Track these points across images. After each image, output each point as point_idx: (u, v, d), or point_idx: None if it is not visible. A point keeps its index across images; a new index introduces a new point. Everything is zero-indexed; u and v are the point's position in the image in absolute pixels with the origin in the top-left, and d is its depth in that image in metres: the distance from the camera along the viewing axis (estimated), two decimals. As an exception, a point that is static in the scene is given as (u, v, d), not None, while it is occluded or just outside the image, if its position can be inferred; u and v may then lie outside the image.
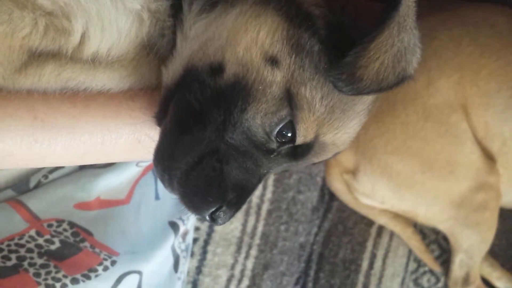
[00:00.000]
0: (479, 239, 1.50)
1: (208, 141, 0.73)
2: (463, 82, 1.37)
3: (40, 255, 0.91)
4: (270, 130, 0.73)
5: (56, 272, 0.90)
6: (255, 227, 1.42)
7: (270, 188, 1.41)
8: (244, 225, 1.41)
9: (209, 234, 1.39)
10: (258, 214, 1.42)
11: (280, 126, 0.73)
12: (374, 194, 1.48)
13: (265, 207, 1.42)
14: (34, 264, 0.90)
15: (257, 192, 1.41)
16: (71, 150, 0.81)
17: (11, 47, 0.71)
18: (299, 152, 0.77)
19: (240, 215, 1.40)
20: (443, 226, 1.53)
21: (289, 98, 0.72)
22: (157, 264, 1.03)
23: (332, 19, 0.75)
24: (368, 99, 0.78)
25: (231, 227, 1.40)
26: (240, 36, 0.73)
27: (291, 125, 0.73)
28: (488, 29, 1.39)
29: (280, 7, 0.74)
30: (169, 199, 1.08)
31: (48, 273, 0.90)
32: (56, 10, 0.70)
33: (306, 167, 1.44)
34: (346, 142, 0.80)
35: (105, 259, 0.94)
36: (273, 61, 0.72)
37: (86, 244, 0.95)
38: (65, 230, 0.94)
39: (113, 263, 0.95)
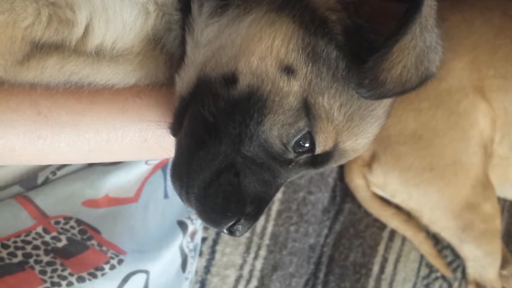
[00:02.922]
0: (482, 253, 1.49)
1: (224, 156, 0.71)
2: (478, 63, 1.36)
3: (47, 252, 0.90)
4: (288, 141, 0.71)
5: (62, 270, 0.89)
6: (264, 228, 1.40)
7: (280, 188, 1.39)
8: (254, 225, 1.39)
9: (218, 233, 1.37)
10: (268, 214, 1.40)
11: (298, 137, 0.71)
12: (386, 186, 1.47)
13: (275, 207, 1.41)
14: (40, 261, 0.89)
15: (268, 192, 1.39)
16: (75, 148, 0.79)
17: (12, 37, 0.69)
18: (318, 160, 0.75)
19: (250, 215, 1.38)
20: (445, 234, 1.52)
21: (307, 109, 0.70)
22: (164, 263, 1.01)
23: (349, 23, 0.72)
24: (387, 101, 0.76)
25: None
26: (254, 44, 0.70)
27: (310, 136, 0.71)
28: (500, 13, 1.38)
29: (294, 13, 0.71)
30: (177, 198, 1.05)
31: (54, 270, 0.89)
32: (60, 0, 0.68)
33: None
34: (366, 146, 0.78)
35: (112, 258, 0.93)
36: (289, 71, 0.70)
37: (94, 242, 0.94)
38: (72, 227, 0.93)
39: (120, 262, 0.94)
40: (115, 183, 0.97)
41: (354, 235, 1.55)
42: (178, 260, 1.06)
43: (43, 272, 0.87)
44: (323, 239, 1.52)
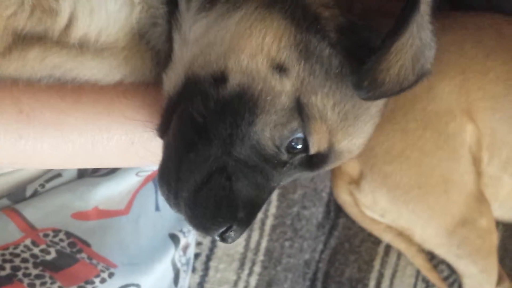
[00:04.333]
0: (478, 269, 1.47)
1: (214, 158, 0.69)
2: (467, 86, 1.35)
3: (36, 265, 0.88)
4: (281, 143, 0.70)
5: (52, 283, 0.87)
6: (258, 243, 1.39)
7: (274, 203, 1.39)
8: (248, 240, 1.38)
9: (212, 249, 1.35)
10: (262, 229, 1.39)
11: (291, 138, 0.69)
12: (374, 205, 1.46)
13: (269, 222, 1.39)
14: (29, 274, 0.87)
15: (261, 207, 1.38)
16: (59, 150, 0.77)
17: None
18: (313, 162, 0.73)
19: (243, 230, 1.37)
20: (439, 252, 1.50)
21: (300, 109, 0.68)
22: (156, 277, 1.00)
23: (342, 20, 0.70)
24: (381, 100, 0.75)
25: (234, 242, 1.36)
26: (244, 41, 0.68)
27: (303, 137, 0.70)
28: (492, 33, 1.38)
29: (286, 9, 0.69)
30: (169, 210, 1.04)
31: (43, 284, 0.87)
32: None
33: (310, 182, 1.41)
34: (361, 147, 0.77)
35: (103, 271, 0.92)
36: (281, 69, 0.68)
37: (83, 255, 0.92)
38: (61, 240, 0.92)
39: (111, 275, 0.92)
40: (105, 195, 0.96)
41: (349, 251, 1.53)
42: (171, 274, 1.05)
43: (32, 285, 0.85)
44: (318, 254, 1.50)
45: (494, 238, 1.44)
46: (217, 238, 0.71)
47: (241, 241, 1.37)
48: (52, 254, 0.90)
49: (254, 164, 0.70)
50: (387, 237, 1.54)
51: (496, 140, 1.40)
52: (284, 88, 0.68)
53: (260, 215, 1.38)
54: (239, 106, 0.68)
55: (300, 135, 0.69)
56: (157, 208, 1.04)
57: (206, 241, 1.35)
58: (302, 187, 1.40)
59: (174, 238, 1.04)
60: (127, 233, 0.98)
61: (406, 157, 1.40)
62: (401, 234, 1.53)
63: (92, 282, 0.90)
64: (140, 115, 0.78)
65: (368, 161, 1.44)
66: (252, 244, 1.39)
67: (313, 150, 0.71)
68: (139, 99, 0.79)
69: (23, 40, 0.69)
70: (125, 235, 0.97)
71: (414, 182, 1.41)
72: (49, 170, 0.93)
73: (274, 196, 1.38)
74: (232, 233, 0.70)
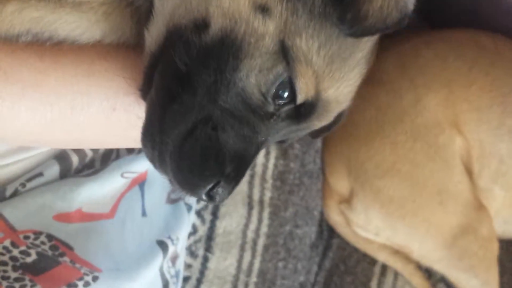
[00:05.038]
0: (479, 283, 1.42)
1: (199, 107, 0.67)
2: (453, 98, 1.36)
3: (15, 268, 0.84)
4: (267, 90, 0.68)
5: (32, 286, 0.82)
6: (251, 264, 1.33)
7: (265, 221, 1.34)
8: (240, 261, 1.32)
9: (202, 272, 1.30)
10: (254, 249, 1.34)
11: (277, 84, 0.68)
12: (368, 224, 1.42)
13: (261, 242, 1.35)
14: (8, 277, 0.83)
15: (252, 226, 1.34)
16: (37, 114, 0.74)
17: None
18: (301, 112, 0.71)
19: (235, 250, 1.32)
20: (438, 267, 1.45)
21: (284, 51, 0.67)
22: (144, 285, 0.94)
23: None
24: (366, 45, 0.74)
25: (225, 263, 1.31)
26: None
27: (289, 83, 0.68)
28: (473, 46, 1.40)
29: None
30: (157, 216, 1.01)
31: (23, 287, 0.82)
32: None
33: (302, 200, 1.38)
34: (348, 97, 0.75)
35: (86, 274, 0.87)
36: (263, 9, 0.67)
37: (66, 258, 0.88)
38: (43, 243, 0.87)
39: (95, 278, 0.88)
40: (88, 197, 0.92)
41: (345, 272, 1.48)
42: (159, 284, 1.00)
43: (11, 288, 0.80)
44: (313, 277, 1.45)
45: (495, 247, 1.40)
46: (205, 198, 0.68)
47: (233, 262, 1.32)
48: (33, 256, 0.85)
49: (241, 115, 0.68)
50: (382, 256, 1.50)
51: (484, 152, 1.40)
52: (267, 30, 0.67)
53: (251, 235, 1.34)
54: (223, 51, 0.67)
55: (286, 80, 0.67)
56: (144, 214, 1.00)
57: (196, 263, 1.29)
58: (294, 205, 1.36)
59: (162, 245, 1.00)
60: (112, 238, 0.94)
61: (398, 170, 1.38)
62: (397, 252, 1.49)
63: (75, 285, 0.85)
64: (122, 78, 0.76)
65: (358, 177, 1.42)
66: (244, 265, 1.33)
67: (300, 96, 0.69)
68: (120, 62, 0.77)
69: None
70: (110, 239, 0.93)
71: (407, 195, 1.38)
72: (30, 170, 0.90)
73: (266, 214, 1.34)
74: (219, 190, 0.67)
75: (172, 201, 1.07)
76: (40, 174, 0.90)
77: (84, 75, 0.75)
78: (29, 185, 0.89)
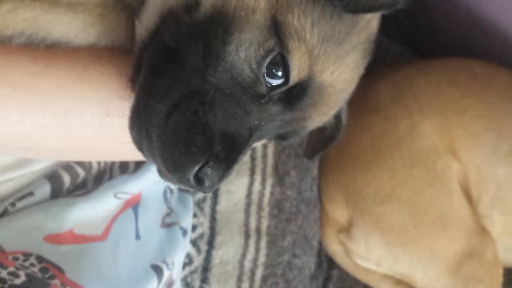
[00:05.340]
0: None
1: (187, 81, 0.64)
2: (448, 124, 1.36)
3: (3, 291, 0.80)
4: (257, 66, 0.66)
5: (20, 309, 0.79)
6: (249, 296, 1.29)
7: (263, 250, 1.31)
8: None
9: (199, 305, 1.25)
10: (252, 280, 1.30)
11: (268, 59, 0.66)
12: (368, 253, 1.38)
13: (259, 272, 1.31)
14: (-5, 300, 0.78)
15: (250, 255, 1.30)
16: (29, 117, 0.72)
17: None
18: (294, 95, 0.68)
19: (232, 281, 1.28)
20: None
21: (276, 27, 0.66)
22: (137, 310, 0.91)
23: None
24: (362, 31, 0.72)
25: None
26: None
27: (282, 60, 0.66)
28: (465, 73, 1.42)
29: None
30: (151, 240, 0.98)
31: (10, 309, 0.78)
32: None
33: (300, 229, 1.35)
34: (345, 86, 0.73)
35: (78, 298, 0.83)
36: None
37: (56, 281, 0.84)
38: (32, 265, 0.84)
39: (87, 302, 0.84)
40: (80, 217, 0.89)
41: (346, 305, 1.43)
42: (153, 311, 0.95)
43: (-2, 311, 0.76)
44: (313, 310, 1.40)
45: (500, 272, 1.36)
46: (193, 182, 0.64)
47: (230, 295, 1.27)
48: (22, 278, 0.81)
49: (231, 93, 0.65)
50: (384, 287, 1.45)
51: (482, 177, 1.39)
52: (258, 5, 0.66)
53: (249, 265, 1.30)
54: (213, 26, 0.65)
55: (278, 57, 0.65)
56: (137, 237, 0.97)
57: (192, 296, 1.25)
58: (292, 234, 1.33)
59: (157, 269, 0.96)
60: (105, 261, 0.90)
61: (397, 196, 1.36)
62: (400, 282, 1.45)
63: (66, 308, 0.81)
64: (115, 83, 0.75)
65: (357, 205, 1.39)
66: (242, 297, 1.29)
67: (293, 73, 0.67)
68: (114, 67, 0.76)
69: None
70: (102, 262, 0.90)
71: (408, 222, 1.36)
72: (21, 189, 0.88)
73: (263, 243, 1.30)
74: (208, 171, 0.63)
75: (167, 225, 1.04)
76: (31, 194, 0.88)
77: (77, 79, 0.74)
78: (19, 204, 0.87)
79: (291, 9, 0.66)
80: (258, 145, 1.27)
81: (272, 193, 1.30)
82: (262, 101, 0.68)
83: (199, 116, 0.63)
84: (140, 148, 0.68)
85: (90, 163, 0.94)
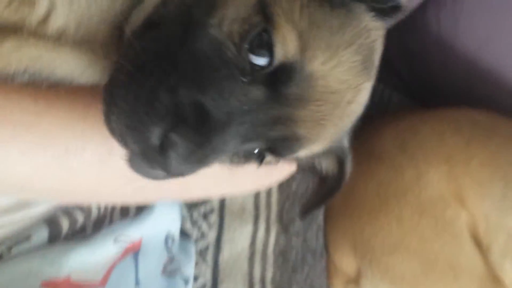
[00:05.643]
0: None
1: (163, 45, 0.60)
2: (454, 173, 1.35)
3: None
4: (240, 41, 0.61)
5: None
6: None
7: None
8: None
9: None
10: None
11: (252, 34, 0.61)
12: None
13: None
14: None
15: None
16: (28, 156, 0.70)
17: None
18: (279, 77, 0.62)
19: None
20: None
21: (263, 7, 0.62)
22: None
23: None
24: (355, 29, 0.68)
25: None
26: None
27: (267, 38, 0.61)
28: (468, 122, 1.42)
29: None
30: (151, 285, 0.95)
31: None
32: None
33: (306, 280, 1.31)
34: (339, 87, 0.66)
35: None
36: None
37: (52, 330, 0.80)
38: (27, 313, 0.80)
39: None
40: (79, 263, 0.86)
41: None
42: None
43: None
44: None
45: None
46: (156, 144, 0.57)
47: None
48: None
49: (210, 64, 0.60)
50: None
51: (491, 226, 1.36)
52: None
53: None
54: (198, 1, 0.63)
55: (263, 35, 0.61)
56: (137, 283, 0.94)
57: None
58: (298, 284, 1.29)
59: (157, 317, 0.93)
60: (103, 308, 0.87)
61: (406, 246, 1.33)
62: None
63: None
64: None
65: (365, 255, 1.36)
66: None
67: (279, 50, 0.62)
68: None
69: None
70: (101, 310, 0.86)
71: (419, 271, 1.32)
72: (17, 233, 0.85)
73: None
74: (174, 136, 0.56)
75: (168, 273, 1.01)
76: (28, 239, 0.85)
77: (79, 118, 0.73)
78: (15, 249, 0.84)
79: None
80: (261, 192, 1.25)
81: (277, 242, 1.27)
82: (244, 80, 0.62)
83: (169, 77, 0.58)
84: (106, 118, 0.63)
85: (89, 208, 0.92)
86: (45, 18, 0.67)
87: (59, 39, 0.67)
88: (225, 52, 0.62)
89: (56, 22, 0.67)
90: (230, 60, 0.62)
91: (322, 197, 0.92)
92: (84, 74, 0.70)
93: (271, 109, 0.63)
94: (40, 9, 0.66)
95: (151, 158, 0.59)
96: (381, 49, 0.76)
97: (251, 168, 0.77)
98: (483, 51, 1.47)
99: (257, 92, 0.63)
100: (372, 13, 0.70)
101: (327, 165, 0.88)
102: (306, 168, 0.89)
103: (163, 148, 0.57)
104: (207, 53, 0.61)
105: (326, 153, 0.83)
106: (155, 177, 0.64)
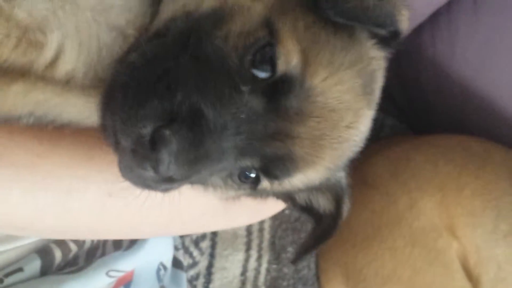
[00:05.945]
0: None
1: (168, 48, 0.62)
2: (447, 202, 1.35)
3: None
4: (244, 52, 0.62)
5: None
6: None
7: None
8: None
9: None
10: None
11: (256, 46, 0.62)
12: None
13: None
14: None
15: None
16: (29, 197, 0.69)
17: None
18: (279, 89, 0.62)
19: None
20: None
21: (269, 23, 0.63)
22: None
23: None
24: (357, 52, 0.68)
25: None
26: None
27: (270, 52, 0.62)
28: (462, 150, 1.42)
29: None
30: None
31: None
32: (32, 23, 0.64)
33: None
34: (339, 106, 0.66)
35: None
36: None
37: None
38: None
39: None
40: (70, 296, 0.85)
41: None
42: None
43: None
44: None
45: None
46: (147, 139, 0.56)
47: None
48: None
49: (211, 69, 0.61)
50: None
51: (481, 257, 1.36)
52: (255, 7, 0.64)
53: None
54: (207, 17, 0.64)
55: (267, 49, 0.62)
56: (129, 315, 0.92)
57: None
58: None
59: None
60: None
61: (398, 277, 1.33)
62: None
63: None
64: None
65: (357, 285, 1.35)
66: None
67: (281, 63, 0.63)
68: None
69: (4, 73, 0.65)
70: None
71: None
72: (10, 264, 0.84)
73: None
74: (166, 133, 0.55)
75: (159, 303, 1.00)
76: (20, 270, 0.83)
77: (83, 159, 0.72)
78: (7, 281, 0.82)
79: (285, 12, 0.65)
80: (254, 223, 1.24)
81: (268, 271, 1.26)
82: (244, 89, 0.62)
83: (169, 79, 0.59)
84: (103, 115, 0.63)
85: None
86: (54, 62, 0.66)
87: (68, 83, 0.66)
88: (228, 61, 0.62)
89: (65, 66, 0.66)
90: (232, 69, 0.62)
91: (316, 240, 0.88)
92: (91, 118, 0.69)
93: (269, 122, 0.63)
94: (49, 52, 0.65)
95: (142, 154, 0.57)
96: (382, 82, 0.76)
97: (247, 202, 0.76)
98: (479, 76, 1.47)
99: (256, 102, 0.63)
100: (374, 41, 0.71)
101: (323, 203, 0.86)
102: (303, 205, 0.87)
103: (155, 143, 0.55)
104: (209, 60, 0.62)
105: (323, 189, 0.82)
106: (145, 183, 0.63)
